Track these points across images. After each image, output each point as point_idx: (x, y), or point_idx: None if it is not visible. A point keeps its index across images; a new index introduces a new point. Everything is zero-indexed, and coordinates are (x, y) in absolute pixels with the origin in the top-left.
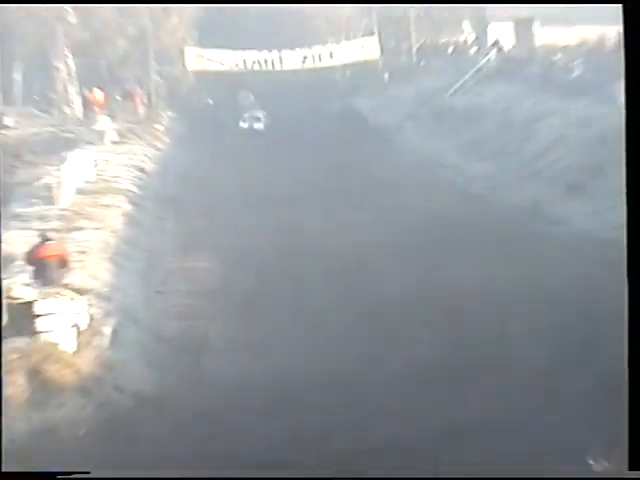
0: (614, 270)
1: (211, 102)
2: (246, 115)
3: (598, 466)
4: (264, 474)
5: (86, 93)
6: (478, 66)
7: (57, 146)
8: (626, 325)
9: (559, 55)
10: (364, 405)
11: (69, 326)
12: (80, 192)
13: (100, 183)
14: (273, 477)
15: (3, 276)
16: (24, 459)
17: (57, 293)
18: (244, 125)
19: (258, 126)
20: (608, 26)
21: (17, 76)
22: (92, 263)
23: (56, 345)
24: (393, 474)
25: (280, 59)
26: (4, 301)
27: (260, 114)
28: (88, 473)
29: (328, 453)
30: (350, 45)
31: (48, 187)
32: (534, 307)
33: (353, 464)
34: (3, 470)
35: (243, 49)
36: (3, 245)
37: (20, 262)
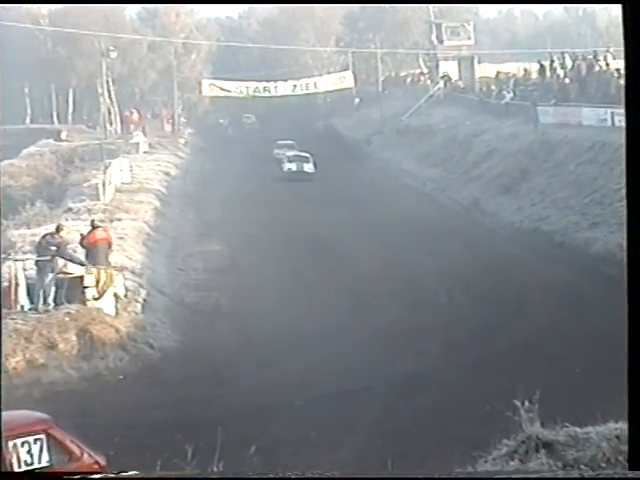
0: (533, 250)
1: (221, 121)
2: (290, 155)
3: (526, 409)
4: (261, 419)
5: (124, 114)
6: (430, 94)
7: (101, 155)
8: (626, 325)
9: (493, 86)
10: (343, 358)
11: (110, 295)
12: (119, 191)
13: (135, 184)
14: (273, 477)
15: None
16: (75, 400)
17: (102, 269)
18: (292, 167)
19: (308, 168)
20: (531, 63)
21: (70, 101)
22: (128, 246)
23: (100, 310)
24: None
25: (275, 88)
26: (60, 276)
27: (306, 154)
28: (96, 474)
29: (312, 396)
30: (330, 77)
31: (94, 187)
32: (474, 279)
33: (332, 406)
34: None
35: (246, 80)
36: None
37: (72, 245)
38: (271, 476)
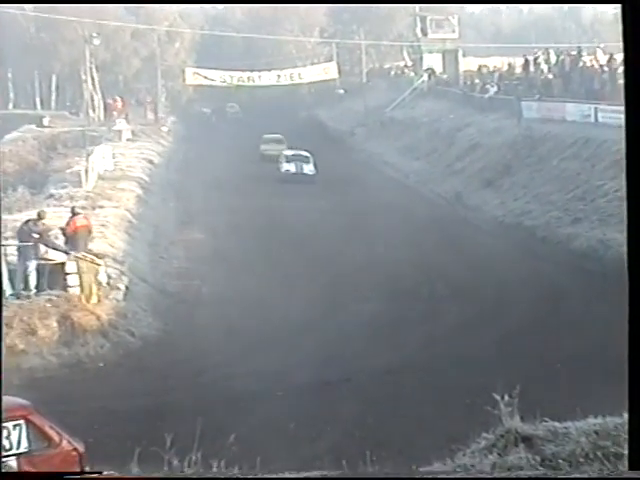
0: (515, 245)
1: (205, 110)
2: (289, 154)
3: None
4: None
5: (107, 101)
6: (414, 86)
7: (84, 142)
8: (626, 325)
9: (477, 79)
10: (323, 349)
11: (91, 282)
12: (101, 178)
13: (117, 171)
14: (273, 477)
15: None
16: (55, 386)
17: (83, 256)
18: (290, 168)
19: (308, 169)
20: (515, 57)
21: (53, 87)
22: (110, 234)
23: (81, 297)
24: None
25: (259, 77)
26: (41, 262)
27: (306, 153)
28: (99, 473)
29: (292, 387)
30: (314, 68)
31: (77, 174)
32: (455, 273)
33: (311, 397)
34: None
35: (230, 69)
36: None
37: (54, 232)
38: (271, 476)
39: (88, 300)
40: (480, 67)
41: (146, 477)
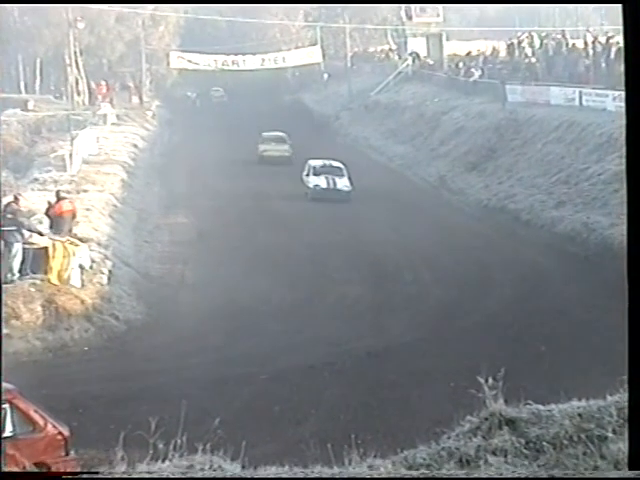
0: (499, 228)
1: (190, 94)
2: (317, 165)
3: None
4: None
5: (92, 85)
6: (398, 70)
7: (68, 126)
8: (626, 325)
9: (461, 63)
10: (307, 331)
11: (76, 266)
12: (86, 162)
13: (102, 156)
14: (272, 477)
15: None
16: (39, 370)
17: (67, 240)
18: (320, 183)
19: (342, 184)
20: (499, 41)
21: (37, 71)
22: (95, 218)
23: (52, 278)
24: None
25: (244, 61)
26: (25, 246)
27: (339, 163)
28: (95, 473)
29: (276, 370)
30: (299, 52)
31: (61, 158)
32: (439, 256)
33: (296, 380)
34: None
35: (214, 53)
36: (26, 202)
37: (38, 216)
38: (272, 476)
39: (62, 282)
40: (469, 53)
41: (147, 477)
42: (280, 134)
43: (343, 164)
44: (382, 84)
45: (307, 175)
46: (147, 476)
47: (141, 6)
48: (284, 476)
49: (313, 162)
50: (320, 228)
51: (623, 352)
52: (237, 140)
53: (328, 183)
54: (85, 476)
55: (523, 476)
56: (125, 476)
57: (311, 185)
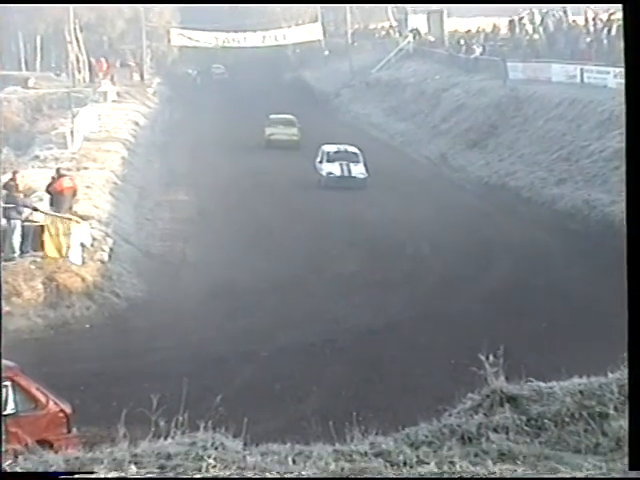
0: (500, 205)
1: (190, 71)
2: (330, 151)
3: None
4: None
5: (92, 62)
6: (399, 47)
7: (69, 103)
8: (626, 324)
9: (462, 40)
10: (308, 309)
11: (76, 244)
12: (87, 140)
13: (103, 133)
14: (273, 478)
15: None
16: (41, 348)
17: (68, 218)
18: (334, 170)
19: (358, 171)
20: (500, 17)
21: (38, 48)
22: (95, 195)
23: (66, 259)
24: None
25: (244, 39)
26: (26, 224)
27: (354, 148)
28: (93, 473)
29: (277, 347)
30: (299, 29)
31: (62, 135)
32: (440, 233)
33: (297, 357)
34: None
35: (215, 30)
36: (27, 180)
37: (38, 193)
38: (271, 476)
39: (57, 258)
40: (469, 30)
41: (146, 477)
42: (288, 116)
43: (359, 149)
44: (383, 61)
45: (320, 162)
46: (146, 476)
47: None
48: (284, 453)
49: (327, 147)
50: (321, 205)
51: (623, 328)
52: (238, 118)
53: (342, 170)
54: (84, 476)
55: (529, 476)
56: (123, 475)
57: (324, 173)
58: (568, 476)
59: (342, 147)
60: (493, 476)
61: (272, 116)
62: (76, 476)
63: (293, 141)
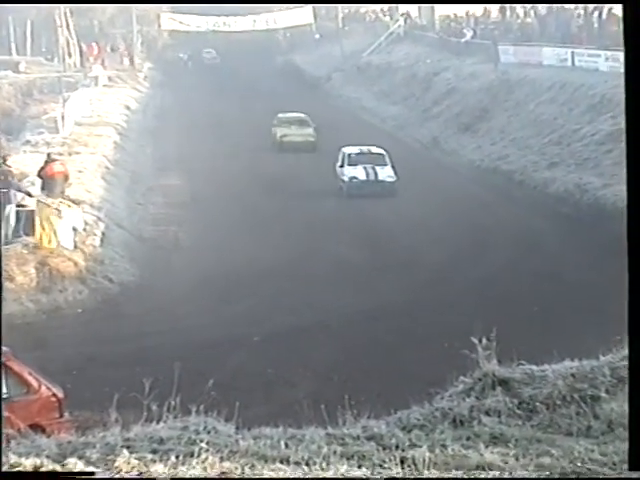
0: (492, 189)
1: (181, 56)
2: (352, 153)
3: (482, 348)
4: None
5: (83, 47)
6: (390, 31)
7: (60, 88)
8: (626, 324)
9: (453, 24)
10: (301, 293)
11: (68, 228)
12: (78, 124)
13: (94, 117)
14: (274, 478)
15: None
16: (33, 333)
17: (60, 203)
18: (358, 174)
19: (385, 175)
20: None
21: (28, 33)
22: (87, 180)
23: (58, 243)
24: None
25: (235, 22)
26: (18, 209)
27: (379, 149)
28: (92, 474)
29: (270, 332)
30: (290, 12)
31: (53, 120)
32: (432, 218)
33: (289, 342)
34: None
35: (206, 14)
36: (18, 165)
37: (31, 178)
38: (272, 476)
39: (48, 243)
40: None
41: (146, 477)
42: (301, 115)
43: (385, 150)
44: (374, 45)
45: (341, 166)
46: (147, 476)
47: None
48: (276, 437)
49: (347, 149)
50: (313, 189)
51: (614, 311)
52: (229, 102)
53: (367, 174)
54: (83, 476)
55: (530, 476)
56: (122, 476)
57: (346, 178)
58: (567, 477)
59: (365, 148)
60: (495, 476)
61: (281, 115)
62: (76, 477)
63: (308, 142)
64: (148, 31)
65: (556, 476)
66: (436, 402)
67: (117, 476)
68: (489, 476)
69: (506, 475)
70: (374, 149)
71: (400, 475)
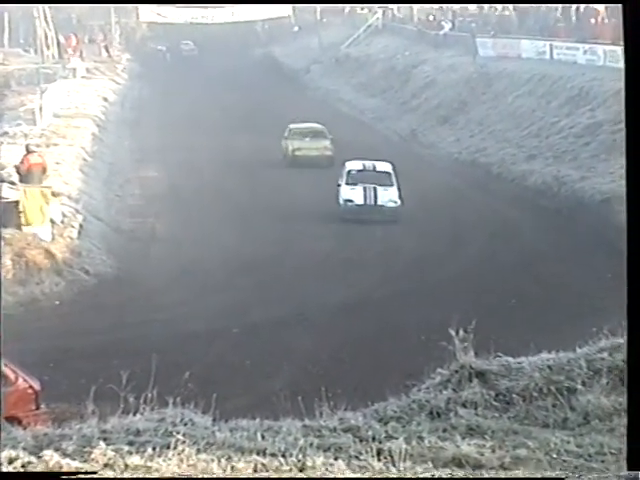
0: (471, 182)
1: (160, 48)
2: (353, 169)
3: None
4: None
5: (61, 38)
6: (368, 23)
7: (38, 79)
8: (626, 324)
9: (431, 16)
10: (276, 286)
11: (46, 220)
12: (56, 116)
13: (72, 109)
14: (274, 478)
15: None
16: (10, 325)
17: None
18: (355, 197)
19: (387, 198)
20: None
21: (6, 24)
22: (65, 172)
23: (35, 235)
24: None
25: (213, 14)
26: None
27: (385, 166)
28: (94, 474)
29: (248, 324)
30: (268, 5)
31: (31, 111)
32: (410, 210)
33: (267, 334)
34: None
35: (184, 6)
36: None
37: (9, 170)
38: (273, 476)
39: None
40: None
41: (146, 477)
42: (316, 126)
43: (392, 165)
44: (352, 37)
45: (339, 185)
46: (147, 476)
47: None
48: (253, 429)
49: (350, 164)
50: (292, 182)
51: (591, 303)
52: (207, 95)
53: (365, 197)
54: (84, 476)
55: (522, 476)
56: (126, 476)
57: (341, 200)
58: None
59: (369, 164)
60: (492, 476)
61: (294, 126)
62: (77, 476)
63: (325, 157)
64: (127, 23)
65: (556, 476)
66: (413, 394)
67: (120, 476)
68: (486, 475)
69: (503, 475)
70: (380, 166)
71: (377, 467)
